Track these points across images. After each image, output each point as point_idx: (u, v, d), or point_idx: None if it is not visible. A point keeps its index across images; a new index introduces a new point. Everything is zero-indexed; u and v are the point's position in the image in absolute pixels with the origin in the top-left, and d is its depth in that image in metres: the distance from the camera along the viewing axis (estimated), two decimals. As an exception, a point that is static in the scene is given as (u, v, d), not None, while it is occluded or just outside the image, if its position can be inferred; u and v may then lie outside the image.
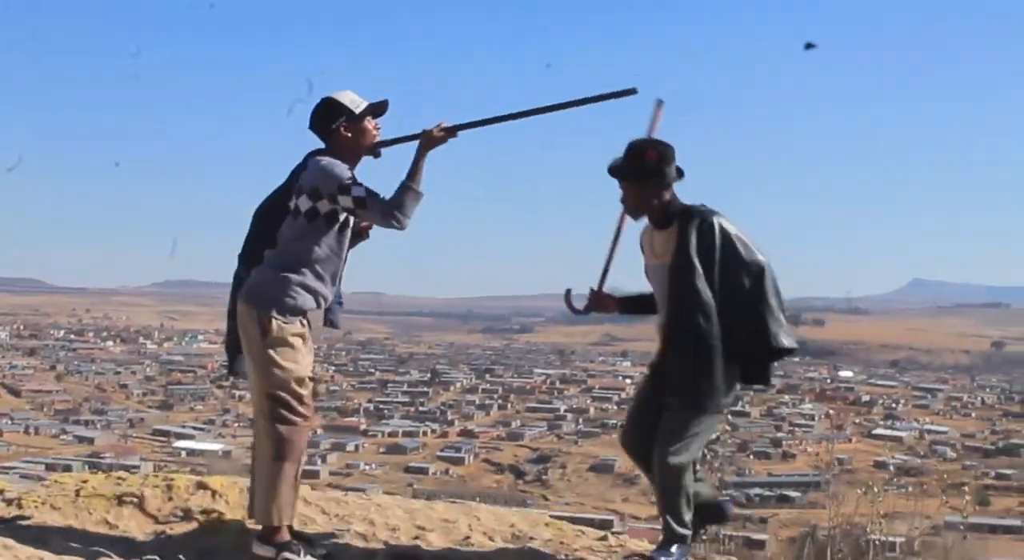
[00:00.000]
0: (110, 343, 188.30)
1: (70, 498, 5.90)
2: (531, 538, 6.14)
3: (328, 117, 5.54)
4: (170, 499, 5.99)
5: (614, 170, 5.65)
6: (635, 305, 6.04)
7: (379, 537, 5.91)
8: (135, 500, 5.91)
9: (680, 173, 5.64)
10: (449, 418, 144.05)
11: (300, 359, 5.42)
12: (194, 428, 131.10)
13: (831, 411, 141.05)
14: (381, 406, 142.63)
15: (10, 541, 4.95)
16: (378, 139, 5.59)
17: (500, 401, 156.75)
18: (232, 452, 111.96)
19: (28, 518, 5.61)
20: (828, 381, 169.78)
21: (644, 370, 6.06)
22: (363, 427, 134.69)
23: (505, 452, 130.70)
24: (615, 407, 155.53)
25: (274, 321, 5.38)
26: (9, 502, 5.91)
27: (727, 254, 5.53)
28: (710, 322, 5.45)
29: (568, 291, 6.03)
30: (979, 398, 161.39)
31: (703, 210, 5.60)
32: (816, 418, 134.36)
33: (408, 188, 5.34)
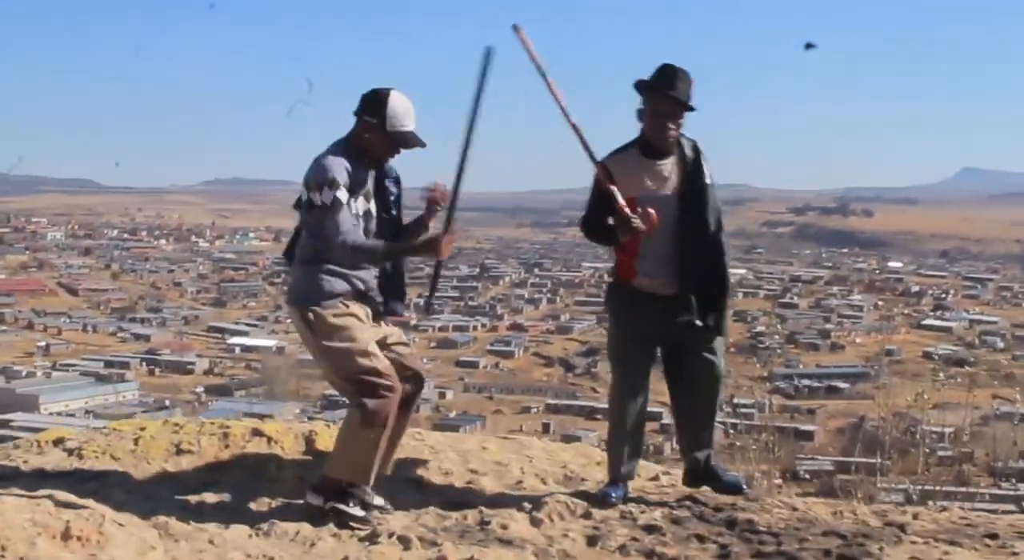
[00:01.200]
0: (163, 242, 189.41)
1: (129, 447, 5.96)
2: (583, 479, 6.16)
3: (368, 108, 5.38)
4: (226, 447, 6.02)
5: (683, 103, 5.57)
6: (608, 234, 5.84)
7: (433, 482, 5.95)
8: (192, 449, 5.97)
9: None
10: (499, 312, 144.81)
11: (354, 335, 5.32)
12: (247, 325, 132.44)
13: (880, 302, 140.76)
14: (431, 301, 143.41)
15: (72, 497, 5.00)
16: (387, 162, 5.51)
17: (549, 295, 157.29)
18: (285, 348, 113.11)
19: (88, 470, 5.67)
20: (877, 272, 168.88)
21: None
22: (413, 322, 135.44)
23: (554, 345, 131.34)
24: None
25: (311, 313, 5.33)
26: (70, 452, 5.97)
27: (711, 183, 5.66)
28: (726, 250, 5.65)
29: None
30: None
31: (691, 138, 5.70)
32: (865, 309, 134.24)
33: (378, 254, 5.38)
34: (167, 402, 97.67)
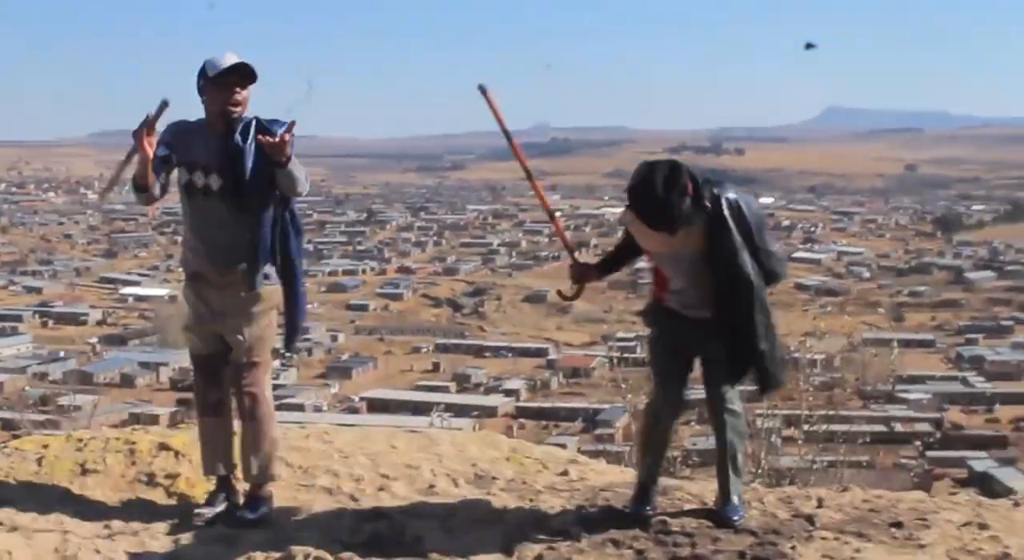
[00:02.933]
0: (52, 194, 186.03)
1: (32, 469, 5.64)
2: (494, 478, 5.99)
3: (197, 82, 5.16)
4: (133, 464, 5.72)
5: (664, 224, 5.00)
6: (612, 265, 5.62)
7: (344, 490, 5.73)
8: (98, 467, 5.67)
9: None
10: (386, 256, 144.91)
11: (185, 316, 5.40)
12: (139, 275, 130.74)
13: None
14: (320, 246, 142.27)
15: (-26, 531, 4.71)
16: (234, 107, 5.12)
17: (435, 238, 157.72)
18: (178, 297, 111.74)
19: (-10, 495, 5.35)
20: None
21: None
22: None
23: (442, 286, 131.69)
24: (546, 240, 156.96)
25: None
26: (-30, 476, 5.64)
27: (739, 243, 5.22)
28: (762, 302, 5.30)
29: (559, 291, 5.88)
30: (893, 220, 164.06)
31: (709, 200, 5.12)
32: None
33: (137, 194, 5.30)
34: (61, 353, 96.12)
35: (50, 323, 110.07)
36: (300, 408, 68.67)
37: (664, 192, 4.86)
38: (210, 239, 5.19)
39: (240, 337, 5.17)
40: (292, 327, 5.34)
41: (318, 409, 73.24)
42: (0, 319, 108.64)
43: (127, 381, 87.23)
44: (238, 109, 5.10)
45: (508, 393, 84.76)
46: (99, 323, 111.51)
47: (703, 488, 5.88)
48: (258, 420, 5.23)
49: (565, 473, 6.17)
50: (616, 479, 6.12)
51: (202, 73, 5.07)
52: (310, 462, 6.05)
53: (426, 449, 6.41)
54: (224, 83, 5.05)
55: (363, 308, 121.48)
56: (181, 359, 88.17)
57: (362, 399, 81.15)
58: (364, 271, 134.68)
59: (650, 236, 5.17)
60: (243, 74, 5.07)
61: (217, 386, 5.25)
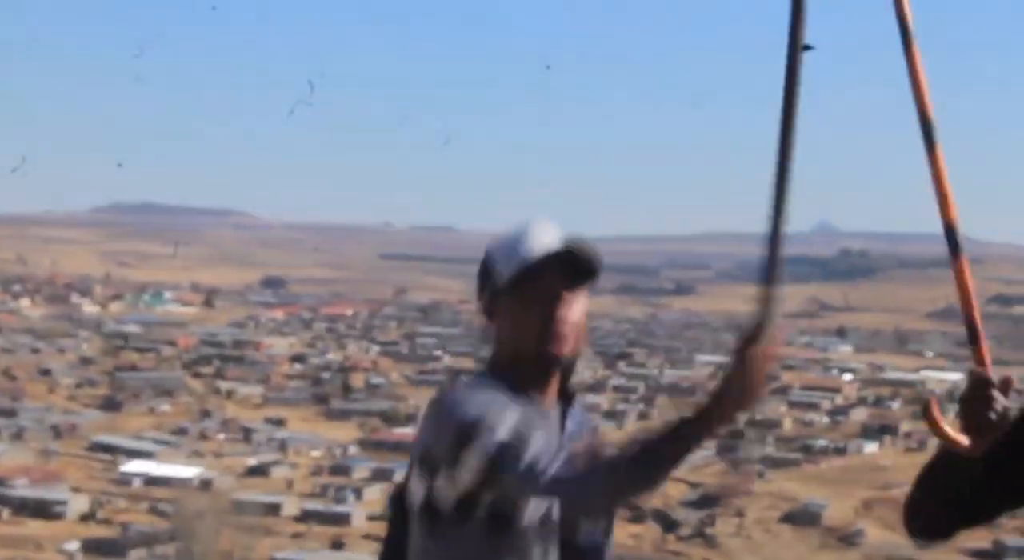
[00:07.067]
0: (26, 302, 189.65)
1: None
2: None
3: (480, 287, 4.27)
4: None
5: None
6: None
7: None
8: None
9: None
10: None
11: None
12: (155, 441, 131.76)
13: None
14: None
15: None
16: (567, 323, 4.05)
17: (642, 405, 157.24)
18: (214, 481, 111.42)
19: None
20: None
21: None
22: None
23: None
24: (827, 418, 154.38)
25: None
26: None
27: None
28: None
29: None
30: None
31: None
32: None
33: (665, 465, 3.76)
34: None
35: (4, 514, 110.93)
36: None
37: None
38: None
39: None
40: None
41: None
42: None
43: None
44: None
45: None
46: (83, 518, 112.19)
47: None
48: None
49: None
50: None
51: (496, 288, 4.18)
52: None
53: None
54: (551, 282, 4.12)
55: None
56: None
57: None
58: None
59: None
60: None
61: None
